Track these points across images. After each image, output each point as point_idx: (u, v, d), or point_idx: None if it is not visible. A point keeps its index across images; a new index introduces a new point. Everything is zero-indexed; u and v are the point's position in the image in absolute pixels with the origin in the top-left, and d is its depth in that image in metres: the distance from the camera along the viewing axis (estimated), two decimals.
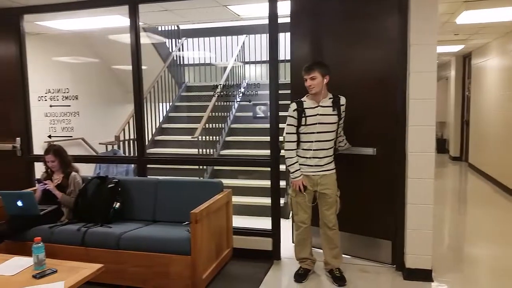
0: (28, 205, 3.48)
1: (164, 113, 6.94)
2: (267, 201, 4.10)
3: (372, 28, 3.48)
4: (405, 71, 3.34)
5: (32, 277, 2.49)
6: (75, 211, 3.67)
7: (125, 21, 4.08)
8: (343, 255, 3.56)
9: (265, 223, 3.96)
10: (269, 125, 3.75)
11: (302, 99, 3.27)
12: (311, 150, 3.23)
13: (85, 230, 3.37)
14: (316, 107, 3.21)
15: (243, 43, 6.42)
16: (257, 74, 6.25)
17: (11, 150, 4.53)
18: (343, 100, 3.27)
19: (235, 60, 6.21)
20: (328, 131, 3.23)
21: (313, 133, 3.20)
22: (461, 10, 4.55)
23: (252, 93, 4.02)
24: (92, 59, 6.50)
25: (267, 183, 4.00)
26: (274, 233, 3.83)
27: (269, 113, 3.75)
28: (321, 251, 3.50)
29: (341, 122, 3.34)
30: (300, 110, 3.22)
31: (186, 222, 3.36)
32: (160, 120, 6.84)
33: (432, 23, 3.19)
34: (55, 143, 4.12)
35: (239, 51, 6.37)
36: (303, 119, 3.21)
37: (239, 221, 4.02)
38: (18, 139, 4.50)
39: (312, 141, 3.21)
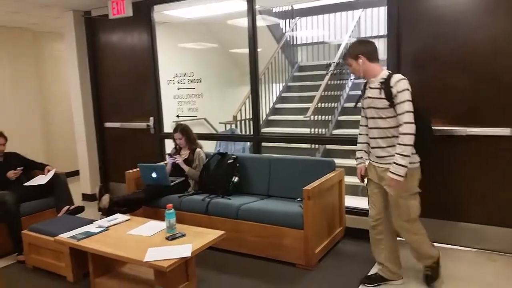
0: (161, 177, 3.94)
1: (277, 94, 7.09)
2: None
3: None
4: None
5: (165, 239, 2.84)
6: (200, 183, 4.03)
7: (242, 5, 4.25)
8: (468, 248, 3.31)
9: None
10: None
11: None
12: (371, 138, 2.83)
13: (208, 200, 3.70)
14: (370, 88, 2.77)
15: (359, 18, 6.17)
16: None
17: (146, 128, 5.11)
18: (393, 81, 2.59)
19: (350, 36, 6.02)
20: (380, 117, 2.67)
21: (368, 117, 2.80)
22: None
23: None
24: (212, 44, 6.91)
25: None
26: None
27: None
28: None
29: (398, 109, 2.58)
30: (363, 90, 2.87)
31: (299, 198, 3.46)
32: (274, 100, 7.01)
33: None
34: (182, 122, 4.54)
35: (354, 26, 6.14)
36: (362, 100, 2.86)
37: (352, 201, 3.99)
38: (151, 118, 5.05)
39: (369, 127, 2.81)
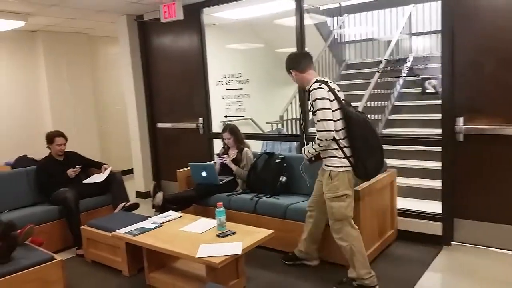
0: (210, 175, 4.01)
1: None
2: (433, 183, 3.84)
3: None
4: None
5: (216, 236, 2.89)
6: (248, 183, 4.07)
7: (290, 5, 4.23)
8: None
9: (432, 206, 3.72)
10: (440, 101, 3.47)
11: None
12: None
13: (256, 199, 3.73)
14: None
15: (410, 13, 5.96)
16: (426, 46, 5.71)
17: (195, 128, 5.22)
18: (311, 89, 2.75)
19: (401, 33, 5.82)
20: (314, 121, 2.81)
21: None
22: None
23: (420, 67, 3.74)
24: (258, 44, 6.95)
25: (434, 164, 3.72)
26: (445, 217, 3.57)
27: (440, 88, 3.46)
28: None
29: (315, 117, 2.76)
30: None
31: None
32: None
33: None
34: (230, 122, 4.60)
35: (406, 22, 5.94)
36: None
37: (404, 203, 3.87)
38: (200, 119, 5.16)
39: None
